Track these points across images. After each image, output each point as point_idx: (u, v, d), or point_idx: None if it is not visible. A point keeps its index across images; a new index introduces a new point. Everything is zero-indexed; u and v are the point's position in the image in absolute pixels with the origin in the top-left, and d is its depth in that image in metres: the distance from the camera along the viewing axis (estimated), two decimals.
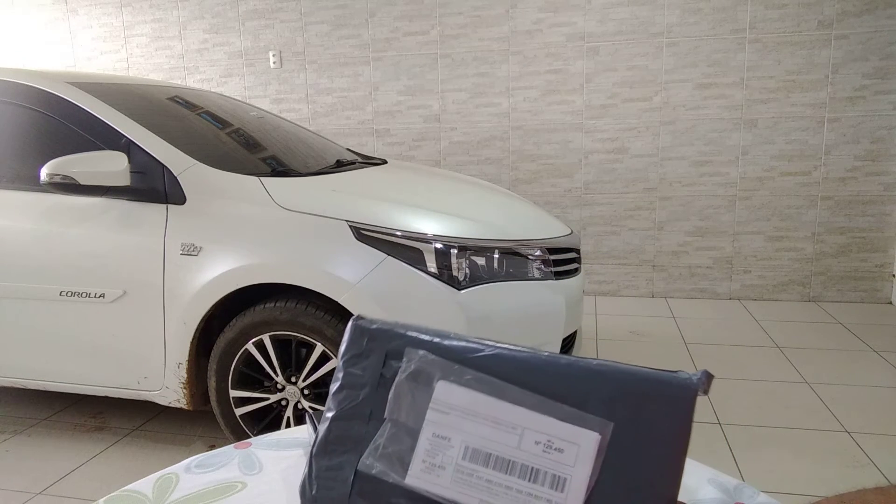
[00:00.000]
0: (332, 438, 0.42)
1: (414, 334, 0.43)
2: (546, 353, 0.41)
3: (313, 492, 0.42)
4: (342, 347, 0.44)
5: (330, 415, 0.42)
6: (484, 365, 0.40)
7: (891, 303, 3.83)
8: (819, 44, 3.65)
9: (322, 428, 0.42)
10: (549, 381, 0.40)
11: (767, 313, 3.71)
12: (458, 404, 0.40)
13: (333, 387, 0.42)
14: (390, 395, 0.42)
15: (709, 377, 0.40)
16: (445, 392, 0.40)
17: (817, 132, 3.74)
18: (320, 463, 0.42)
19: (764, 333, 3.37)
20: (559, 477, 0.39)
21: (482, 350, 0.41)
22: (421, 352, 0.41)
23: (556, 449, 0.39)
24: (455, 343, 0.42)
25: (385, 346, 0.42)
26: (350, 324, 0.44)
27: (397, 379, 0.42)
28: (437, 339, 0.42)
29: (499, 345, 0.41)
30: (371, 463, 0.41)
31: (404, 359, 0.42)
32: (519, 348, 0.42)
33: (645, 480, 0.38)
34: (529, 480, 0.39)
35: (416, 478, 0.40)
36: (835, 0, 3.59)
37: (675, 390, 0.39)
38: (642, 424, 0.39)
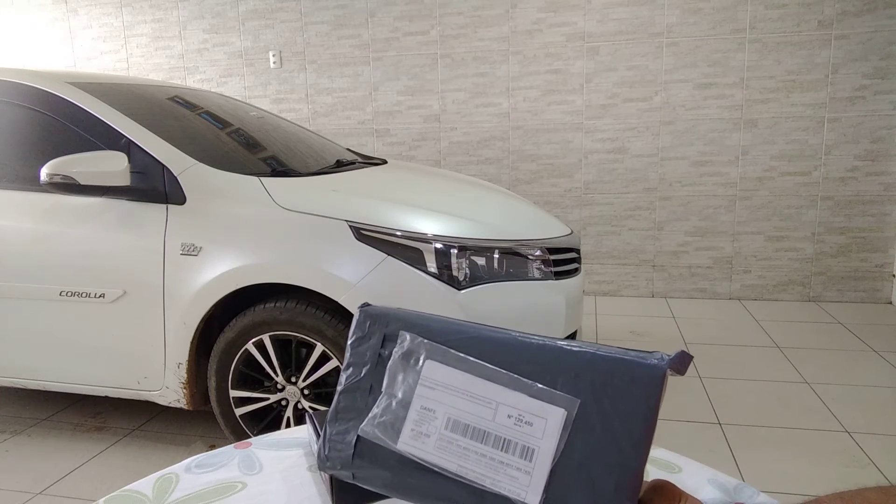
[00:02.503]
0: (340, 408, 0.49)
1: (407, 319, 0.49)
2: (521, 335, 0.46)
3: (326, 452, 0.49)
4: (351, 331, 0.50)
5: (339, 388, 0.49)
6: (465, 346, 0.46)
7: (891, 303, 3.83)
8: (819, 44, 3.65)
9: (334, 400, 0.49)
10: (523, 360, 0.44)
11: (767, 313, 3.71)
12: (442, 381, 0.46)
13: (344, 365, 0.49)
14: (386, 373, 0.47)
15: (683, 358, 0.43)
16: (431, 370, 0.46)
17: (817, 132, 3.74)
18: (332, 428, 0.49)
19: (764, 333, 3.37)
20: (528, 448, 0.43)
21: (464, 333, 0.47)
22: (411, 335, 0.47)
23: (526, 422, 0.43)
24: (441, 326, 0.47)
25: (383, 330, 0.49)
26: (357, 310, 0.50)
27: (392, 359, 0.48)
28: (426, 323, 0.48)
29: (481, 327, 0.47)
30: (369, 430, 0.47)
31: (398, 340, 0.48)
32: (498, 330, 0.46)
33: (607, 454, 0.42)
34: (502, 450, 0.44)
35: (406, 443, 0.46)
36: (835, 0, 3.59)
37: (639, 371, 0.42)
38: (607, 402, 0.42)
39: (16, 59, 4.92)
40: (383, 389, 0.47)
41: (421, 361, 0.47)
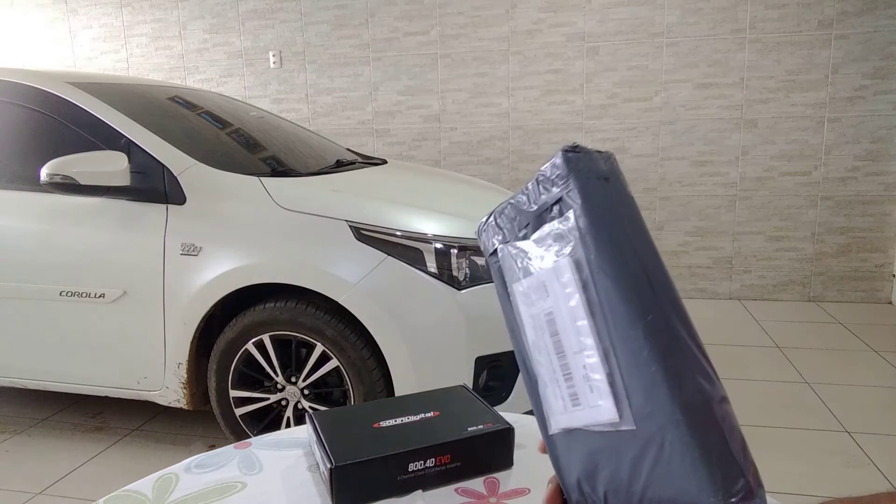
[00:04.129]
0: (504, 214, 0.49)
1: (592, 205, 0.42)
2: (675, 329, 0.39)
3: (484, 238, 0.51)
4: (546, 164, 0.46)
5: (511, 202, 0.48)
6: (606, 283, 0.40)
7: (891, 303, 3.83)
8: (819, 44, 3.65)
9: (505, 202, 0.49)
10: (637, 346, 0.38)
11: (767, 313, 3.71)
12: (566, 283, 0.42)
13: (524, 186, 0.47)
14: (538, 232, 0.45)
15: None
16: (566, 269, 0.42)
17: (817, 132, 3.74)
18: (493, 219, 0.50)
19: (764, 333, 3.37)
20: (577, 398, 0.42)
21: (620, 267, 0.41)
22: (575, 220, 0.42)
23: (588, 384, 0.41)
24: (610, 243, 0.41)
25: (565, 191, 0.43)
26: (561, 152, 0.44)
27: (547, 226, 0.44)
28: (602, 223, 0.42)
29: (646, 282, 0.40)
30: (504, 254, 0.48)
31: (564, 216, 0.43)
32: (663, 304, 0.40)
33: (616, 477, 0.40)
34: (563, 374, 0.43)
35: (517, 293, 0.47)
36: (835, 0, 3.59)
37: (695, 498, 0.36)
38: (653, 461, 0.38)
39: (16, 59, 4.92)
40: (531, 238, 0.46)
41: (562, 253, 0.43)
